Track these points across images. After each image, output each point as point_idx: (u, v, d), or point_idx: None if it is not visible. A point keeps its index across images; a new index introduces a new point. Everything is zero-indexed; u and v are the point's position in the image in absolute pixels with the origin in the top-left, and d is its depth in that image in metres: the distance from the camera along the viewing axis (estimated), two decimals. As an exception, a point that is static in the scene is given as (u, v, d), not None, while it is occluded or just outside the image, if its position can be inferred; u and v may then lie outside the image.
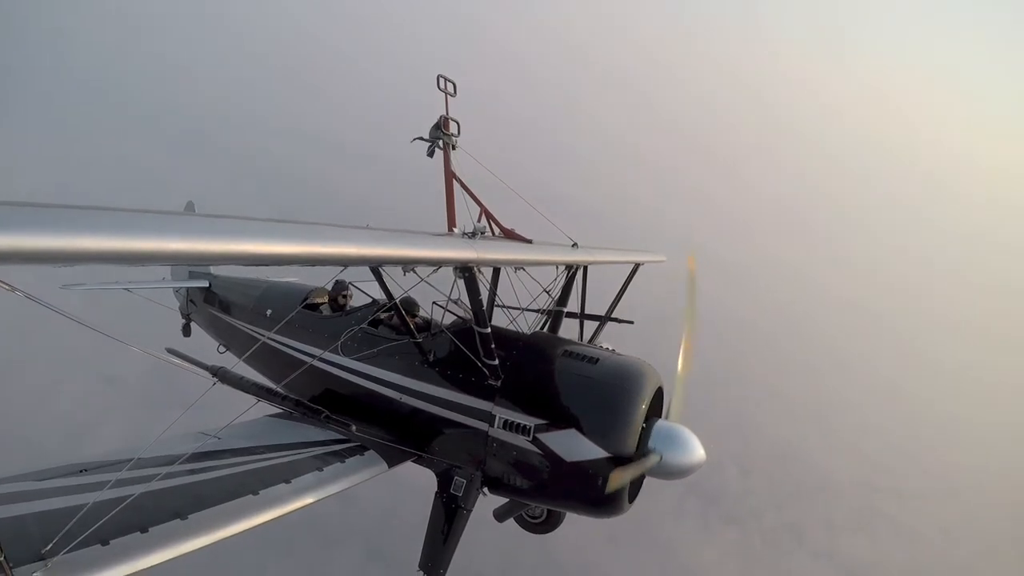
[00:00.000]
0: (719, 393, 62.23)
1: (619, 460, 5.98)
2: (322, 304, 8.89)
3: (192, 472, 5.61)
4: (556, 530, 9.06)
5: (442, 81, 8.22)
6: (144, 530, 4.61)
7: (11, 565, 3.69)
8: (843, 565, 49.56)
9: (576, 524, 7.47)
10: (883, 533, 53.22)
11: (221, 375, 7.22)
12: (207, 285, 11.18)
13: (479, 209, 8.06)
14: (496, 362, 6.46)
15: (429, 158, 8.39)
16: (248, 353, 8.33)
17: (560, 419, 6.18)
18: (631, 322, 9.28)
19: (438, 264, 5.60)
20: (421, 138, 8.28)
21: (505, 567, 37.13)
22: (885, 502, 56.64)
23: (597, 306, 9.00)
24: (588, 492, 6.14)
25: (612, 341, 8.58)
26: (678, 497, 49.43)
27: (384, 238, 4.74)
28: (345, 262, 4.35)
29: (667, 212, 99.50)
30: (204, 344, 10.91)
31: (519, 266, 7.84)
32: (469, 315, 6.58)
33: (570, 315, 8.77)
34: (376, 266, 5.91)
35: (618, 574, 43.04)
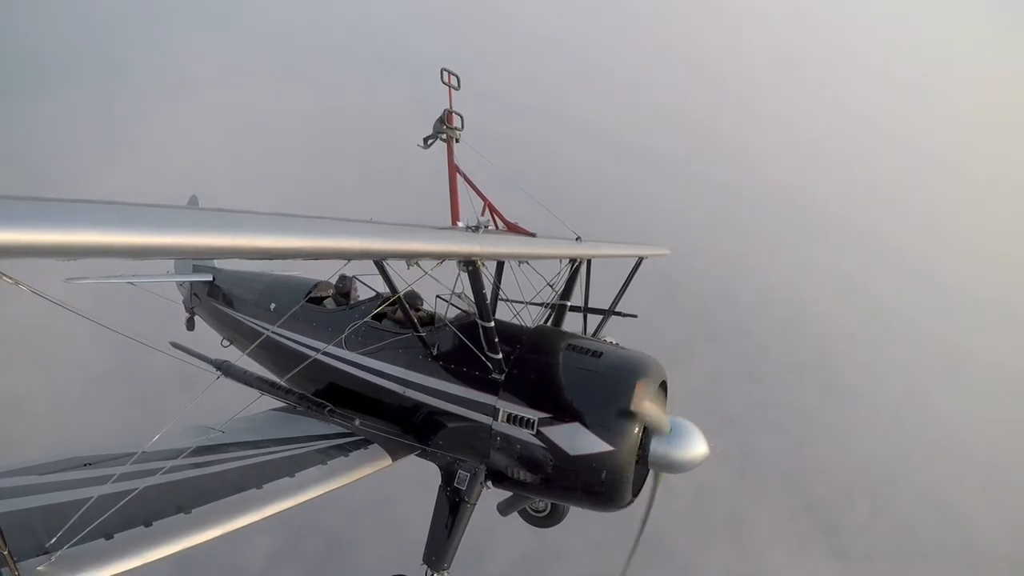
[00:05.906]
0: (877, 417, 55.20)
1: (622, 454, 5.98)
2: (326, 298, 8.88)
3: (196, 466, 5.61)
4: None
5: (446, 75, 8.18)
6: (148, 524, 4.62)
7: (15, 559, 3.69)
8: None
9: (668, 508, 6.68)
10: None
11: (225, 369, 7.23)
12: (211, 279, 11.17)
13: (483, 202, 8.04)
14: (500, 356, 6.46)
15: (422, 148, 8.41)
16: (252, 347, 8.33)
17: (564, 413, 6.18)
18: (635, 316, 9.25)
19: (442, 258, 5.57)
20: (429, 139, 8.32)
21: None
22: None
23: (601, 300, 8.98)
24: (592, 486, 6.14)
25: (616, 335, 8.58)
26: (790, 512, 45.02)
27: (387, 232, 4.70)
28: (348, 256, 4.33)
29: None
30: (208, 338, 10.93)
31: (523, 260, 7.82)
32: (473, 309, 6.57)
33: (574, 309, 8.77)
34: (379, 260, 5.90)
35: (690, 563, 39.10)
